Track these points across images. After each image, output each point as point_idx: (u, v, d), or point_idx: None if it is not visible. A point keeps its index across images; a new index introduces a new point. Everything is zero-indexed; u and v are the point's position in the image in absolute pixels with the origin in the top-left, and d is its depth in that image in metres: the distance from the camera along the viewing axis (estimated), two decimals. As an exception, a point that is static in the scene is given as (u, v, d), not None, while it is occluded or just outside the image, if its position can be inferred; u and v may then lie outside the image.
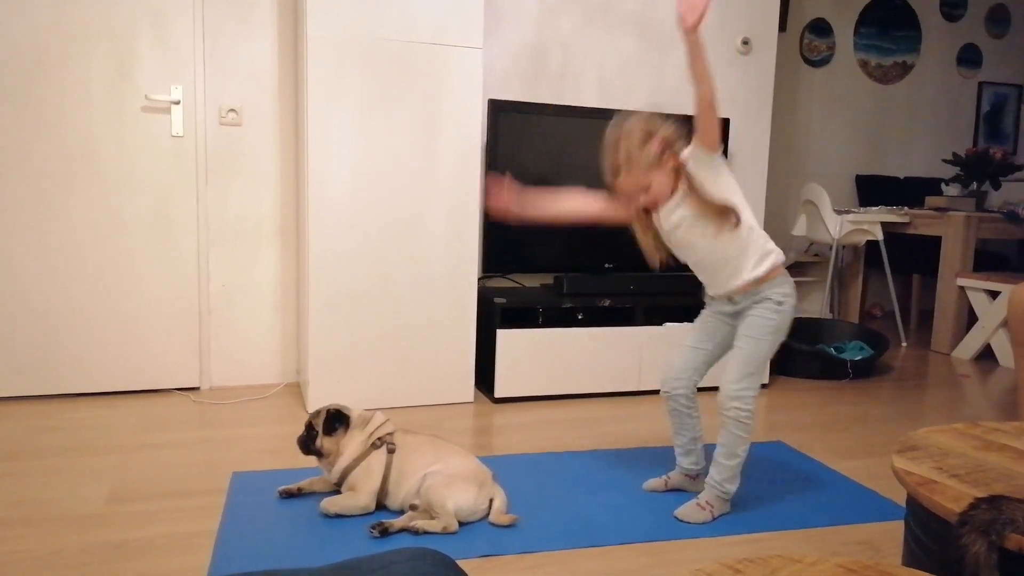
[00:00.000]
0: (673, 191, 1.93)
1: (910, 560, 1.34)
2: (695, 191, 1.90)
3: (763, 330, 1.96)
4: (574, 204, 2.11)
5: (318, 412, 2.05)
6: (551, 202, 2.11)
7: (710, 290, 2.07)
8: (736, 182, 1.96)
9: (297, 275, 3.13)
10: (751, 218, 1.96)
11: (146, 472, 2.23)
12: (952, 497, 1.20)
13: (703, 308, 2.14)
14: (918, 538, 1.30)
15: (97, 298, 2.91)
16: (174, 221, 2.97)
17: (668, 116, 3.27)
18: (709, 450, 2.12)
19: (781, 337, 2.00)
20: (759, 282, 1.95)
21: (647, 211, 1.99)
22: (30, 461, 2.29)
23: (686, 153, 1.91)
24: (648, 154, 1.88)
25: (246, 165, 3.05)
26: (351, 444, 2.01)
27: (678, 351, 2.13)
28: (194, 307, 3.04)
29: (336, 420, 2.02)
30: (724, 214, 1.90)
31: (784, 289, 1.97)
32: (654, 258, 2.01)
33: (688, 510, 2.02)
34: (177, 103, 2.92)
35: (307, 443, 2.04)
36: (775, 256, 1.97)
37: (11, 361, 2.85)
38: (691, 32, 1.76)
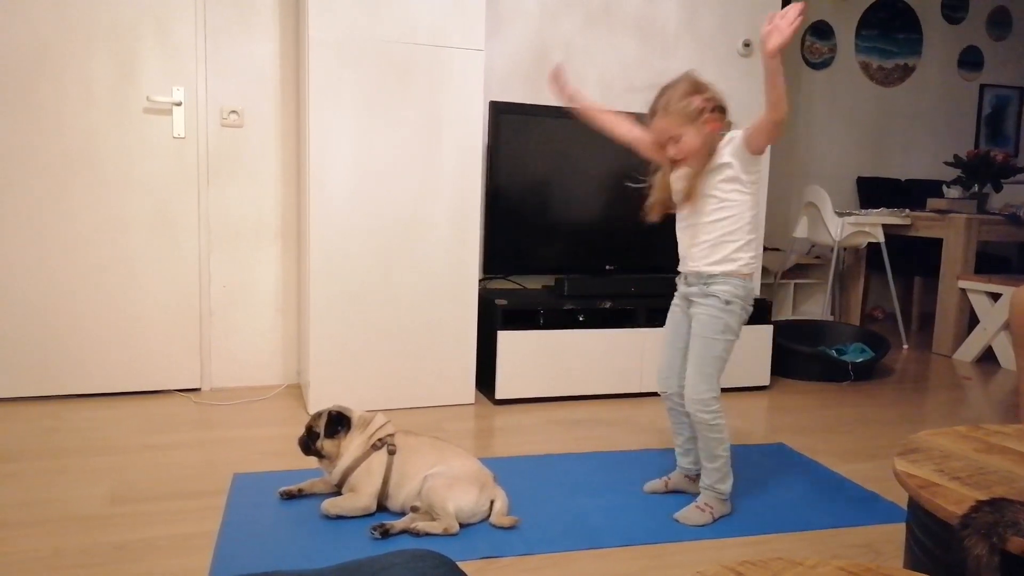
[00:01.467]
0: (701, 156, 1.94)
1: (911, 563, 1.34)
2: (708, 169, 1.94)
3: (713, 329, 1.97)
4: (618, 123, 2.15)
5: (319, 414, 2.05)
6: (600, 114, 2.17)
7: (681, 265, 2.08)
8: (756, 189, 1.99)
9: (298, 276, 3.13)
10: (749, 220, 1.97)
11: (147, 473, 2.23)
12: (953, 500, 1.20)
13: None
14: (919, 541, 1.30)
15: (98, 299, 2.91)
16: (175, 222, 2.98)
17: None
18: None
19: (734, 337, 2.00)
20: (714, 275, 1.97)
21: (672, 163, 2.01)
22: (31, 462, 2.29)
23: (733, 140, 1.94)
24: (687, 107, 1.90)
25: (247, 166, 3.06)
26: (352, 445, 2.01)
27: (661, 352, 2.15)
28: (195, 308, 3.04)
29: (338, 422, 2.02)
30: (694, 192, 1.94)
31: (734, 290, 1.96)
32: (653, 212, 2.03)
33: (688, 513, 2.02)
34: (179, 104, 2.92)
35: (308, 444, 2.04)
36: (743, 266, 1.97)
37: (13, 362, 2.85)
38: (772, 56, 1.75)
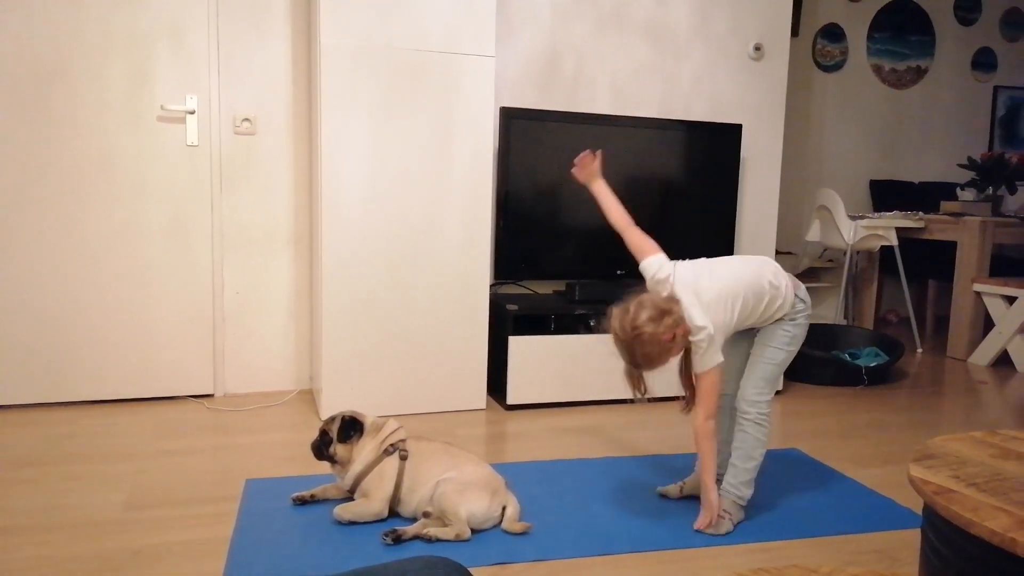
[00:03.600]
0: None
1: (927, 570, 1.33)
2: None
3: (781, 340, 2.02)
4: (628, 232, 2.11)
5: (333, 418, 2.06)
6: (614, 210, 2.16)
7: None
8: (728, 284, 1.94)
9: (311, 282, 3.14)
10: (764, 285, 1.97)
11: (161, 479, 2.25)
12: (970, 506, 1.19)
13: None
14: (935, 547, 1.29)
15: (113, 306, 2.94)
16: (189, 229, 3.00)
17: (680, 123, 3.29)
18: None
19: (798, 346, 2.05)
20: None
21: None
22: (47, 468, 2.31)
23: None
24: (664, 346, 1.85)
25: (260, 173, 3.07)
26: (364, 450, 2.02)
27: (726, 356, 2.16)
28: (209, 314, 3.06)
29: (351, 427, 2.03)
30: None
31: (795, 303, 2.02)
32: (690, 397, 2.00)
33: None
34: (192, 112, 2.94)
35: (321, 449, 2.05)
36: (789, 292, 2.00)
37: (28, 369, 2.87)
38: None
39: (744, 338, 2.10)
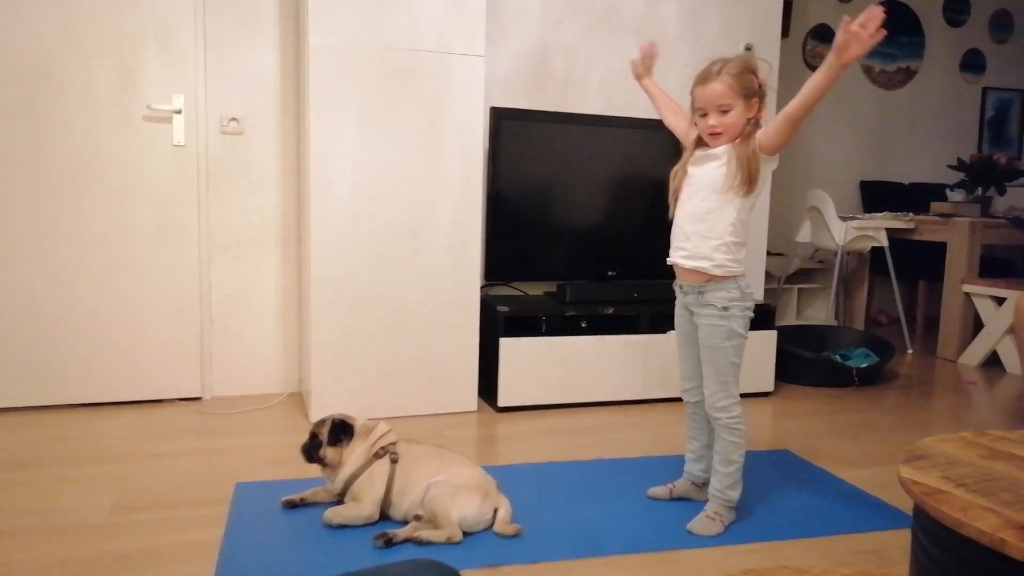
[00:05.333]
0: (732, 139, 1.92)
1: (917, 570, 1.33)
2: (746, 151, 1.89)
3: (718, 338, 1.98)
4: (667, 106, 2.21)
5: (323, 421, 2.05)
6: (659, 94, 2.26)
7: (672, 253, 2.03)
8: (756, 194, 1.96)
9: (299, 284, 3.13)
10: (746, 221, 1.96)
11: (150, 482, 2.23)
12: (959, 507, 1.20)
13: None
14: (925, 547, 1.29)
15: (100, 308, 2.92)
16: (176, 230, 2.98)
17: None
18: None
19: (742, 340, 2.00)
20: (706, 277, 1.95)
21: (697, 143, 2.00)
22: (35, 471, 2.29)
23: (759, 135, 1.91)
24: (747, 81, 1.88)
25: (248, 174, 3.06)
26: (354, 454, 2.01)
27: (678, 358, 2.16)
28: (196, 316, 3.04)
29: (341, 430, 2.02)
30: (748, 181, 1.89)
31: (728, 295, 1.95)
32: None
33: (700, 523, 2.00)
34: (179, 112, 2.92)
35: (311, 452, 2.03)
36: (733, 268, 1.95)
37: (16, 371, 2.85)
38: (846, 66, 1.70)
39: (691, 331, 2.06)
